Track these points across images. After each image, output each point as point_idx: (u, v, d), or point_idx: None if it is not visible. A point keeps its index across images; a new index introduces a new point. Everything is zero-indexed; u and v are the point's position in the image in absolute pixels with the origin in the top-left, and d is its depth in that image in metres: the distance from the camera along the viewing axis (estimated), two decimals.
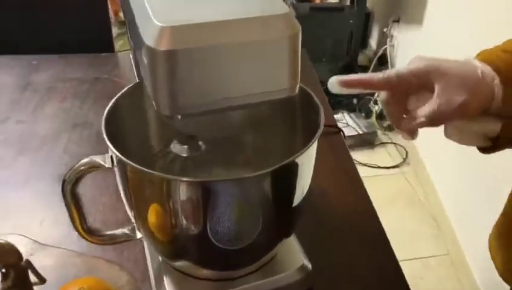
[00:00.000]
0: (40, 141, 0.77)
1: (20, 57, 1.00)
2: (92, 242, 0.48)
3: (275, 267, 0.52)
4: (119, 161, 0.41)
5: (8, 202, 0.65)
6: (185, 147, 0.48)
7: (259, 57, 0.37)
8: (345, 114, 2.15)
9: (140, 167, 0.39)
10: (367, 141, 2.04)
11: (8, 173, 0.70)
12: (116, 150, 0.41)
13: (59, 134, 0.78)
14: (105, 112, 0.45)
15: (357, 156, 1.96)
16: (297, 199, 0.47)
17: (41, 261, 0.54)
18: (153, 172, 0.39)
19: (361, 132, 2.02)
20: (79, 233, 0.47)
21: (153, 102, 0.37)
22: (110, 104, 0.46)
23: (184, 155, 0.48)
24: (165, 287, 0.48)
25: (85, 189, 0.45)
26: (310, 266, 0.53)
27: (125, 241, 0.50)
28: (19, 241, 0.56)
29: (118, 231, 0.50)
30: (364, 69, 2.31)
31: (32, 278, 0.36)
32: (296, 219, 0.50)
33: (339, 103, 2.22)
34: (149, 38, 0.34)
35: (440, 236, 1.65)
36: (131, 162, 0.40)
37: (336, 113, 2.15)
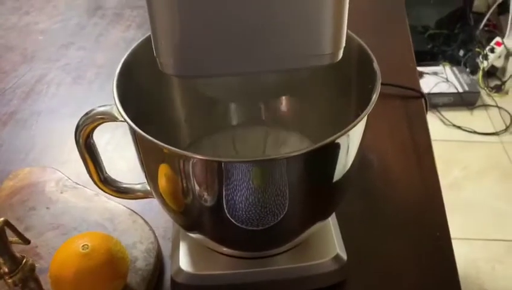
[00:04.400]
0: (96, 71, 0.75)
1: None
2: (108, 193, 0.45)
3: (304, 253, 0.45)
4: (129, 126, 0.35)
5: (55, 132, 0.64)
6: None
7: (291, 8, 0.28)
8: (447, 67, 1.91)
9: (149, 137, 0.32)
10: (466, 101, 1.80)
11: (61, 101, 0.69)
12: (132, 104, 0.36)
13: (116, 65, 0.75)
14: (121, 61, 0.39)
15: (452, 116, 1.75)
16: (335, 181, 0.38)
17: (67, 201, 0.53)
18: (164, 145, 0.32)
19: (461, 90, 1.79)
20: (94, 183, 0.44)
21: (156, 58, 0.30)
22: (128, 53, 0.40)
23: None
24: (179, 255, 0.44)
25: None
26: (345, 257, 0.45)
27: (144, 198, 0.46)
28: (53, 176, 0.56)
29: (138, 185, 0.46)
30: (479, 17, 2.00)
31: None
32: (332, 202, 0.42)
33: (442, 52, 1.98)
34: None
35: None
36: (140, 130, 0.33)
37: (436, 64, 1.92)
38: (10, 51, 0.81)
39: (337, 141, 0.33)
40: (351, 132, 0.33)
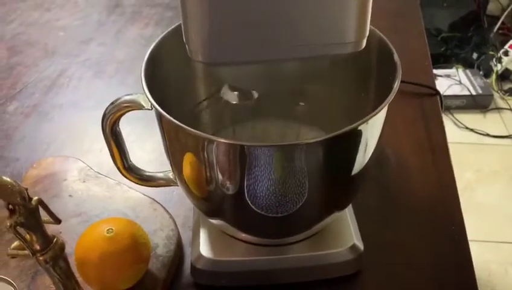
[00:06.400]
0: (116, 66, 0.76)
1: None
2: (132, 181, 0.46)
3: (321, 242, 0.46)
4: (156, 111, 0.36)
5: (76, 124, 0.66)
6: (236, 93, 0.41)
7: None
8: (460, 70, 1.91)
9: (176, 121, 0.34)
10: (479, 104, 1.80)
11: (82, 94, 0.71)
12: (157, 93, 0.37)
13: (135, 61, 0.77)
14: (148, 52, 0.40)
15: (465, 119, 1.75)
16: (353, 171, 0.39)
17: (89, 190, 0.54)
18: (189, 129, 0.33)
19: (474, 93, 1.79)
20: (119, 170, 0.46)
21: (186, 46, 0.31)
22: (154, 45, 0.41)
23: (234, 102, 0.42)
24: (199, 241, 0.45)
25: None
26: (361, 247, 0.46)
27: (166, 186, 0.47)
28: (75, 166, 0.58)
29: (160, 174, 0.47)
30: (493, 20, 2.00)
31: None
32: (350, 192, 0.43)
33: (455, 55, 1.97)
34: None
35: None
36: (166, 114, 0.35)
37: (449, 67, 1.92)
38: (32, 47, 0.83)
39: (359, 128, 0.34)
40: (371, 121, 0.34)
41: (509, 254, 1.35)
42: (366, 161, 0.39)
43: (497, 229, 1.38)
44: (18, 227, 0.30)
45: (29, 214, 0.31)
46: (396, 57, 0.38)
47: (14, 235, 0.31)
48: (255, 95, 0.43)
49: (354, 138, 0.35)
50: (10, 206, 0.30)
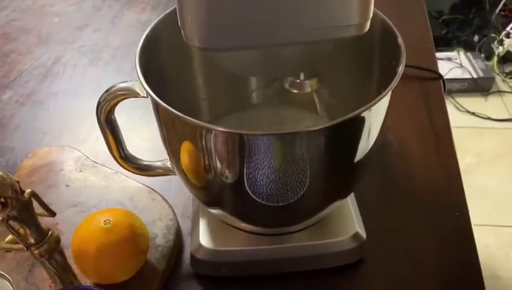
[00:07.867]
0: (112, 53, 0.75)
1: None
2: (129, 170, 0.45)
3: (323, 231, 0.45)
4: (152, 99, 0.35)
5: (71, 112, 0.65)
6: None
7: None
8: (461, 52, 1.88)
9: (173, 110, 0.32)
10: (481, 87, 1.78)
11: (77, 82, 0.70)
12: (154, 80, 0.36)
13: (132, 47, 0.75)
14: (142, 38, 0.38)
15: (466, 103, 1.73)
16: (356, 158, 0.38)
17: (86, 179, 0.53)
18: (187, 117, 0.32)
19: (475, 76, 1.77)
20: (115, 160, 0.45)
21: (182, 30, 0.30)
22: (148, 30, 0.39)
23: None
24: (199, 231, 0.45)
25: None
26: (364, 235, 0.45)
27: (165, 175, 0.46)
28: (72, 155, 0.57)
29: (158, 163, 0.46)
30: (495, 1, 1.96)
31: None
32: (352, 180, 0.42)
33: (456, 38, 1.95)
34: None
35: None
36: (163, 103, 0.33)
37: (450, 50, 1.89)
38: (26, 33, 0.81)
39: (362, 115, 0.32)
40: (374, 107, 0.33)
41: (509, 237, 1.35)
42: (369, 147, 0.38)
43: (497, 213, 1.38)
44: (11, 221, 0.29)
45: (22, 207, 0.30)
46: (400, 40, 0.37)
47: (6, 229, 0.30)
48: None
49: (356, 125, 0.34)
50: (2, 200, 0.29)
